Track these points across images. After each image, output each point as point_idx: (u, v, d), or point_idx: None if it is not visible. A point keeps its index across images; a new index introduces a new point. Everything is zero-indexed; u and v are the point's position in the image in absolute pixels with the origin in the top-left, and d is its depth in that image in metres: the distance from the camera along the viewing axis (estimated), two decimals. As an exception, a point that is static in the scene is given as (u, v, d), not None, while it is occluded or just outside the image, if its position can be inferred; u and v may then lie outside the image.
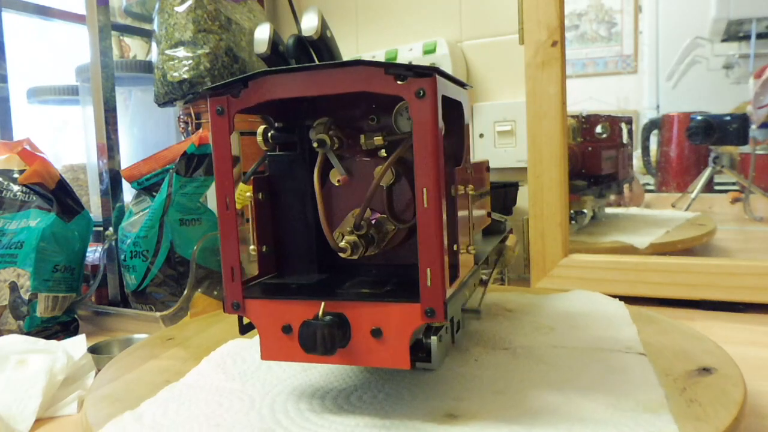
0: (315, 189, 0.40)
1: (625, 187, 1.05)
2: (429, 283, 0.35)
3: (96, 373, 0.52)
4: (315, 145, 0.40)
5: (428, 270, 0.35)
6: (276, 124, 0.44)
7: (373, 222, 0.41)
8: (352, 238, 0.39)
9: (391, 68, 0.34)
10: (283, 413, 0.39)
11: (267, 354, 0.38)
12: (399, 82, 0.34)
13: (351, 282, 0.41)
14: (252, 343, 0.52)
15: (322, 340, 0.35)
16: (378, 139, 0.41)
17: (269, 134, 0.43)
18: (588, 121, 0.99)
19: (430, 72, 0.34)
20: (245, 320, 0.40)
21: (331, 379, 0.43)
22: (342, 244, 0.39)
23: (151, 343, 0.54)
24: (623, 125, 1.04)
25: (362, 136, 0.41)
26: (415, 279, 0.36)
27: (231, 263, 0.39)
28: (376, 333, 0.36)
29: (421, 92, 0.34)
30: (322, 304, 0.36)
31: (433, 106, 0.34)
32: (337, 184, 0.42)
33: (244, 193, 0.78)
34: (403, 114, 0.41)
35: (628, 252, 0.83)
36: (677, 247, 0.86)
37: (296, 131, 0.44)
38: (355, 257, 0.39)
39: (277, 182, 0.44)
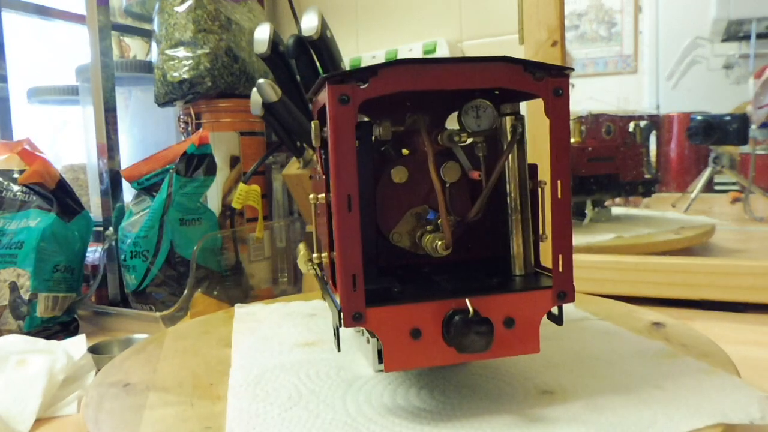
0: (436, 187, 0.39)
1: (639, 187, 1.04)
2: (561, 269, 0.37)
3: (96, 373, 0.52)
4: (456, 138, 0.41)
5: (560, 256, 0.37)
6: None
7: (439, 221, 0.41)
8: (440, 236, 0.40)
9: (530, 66, 0.36)
10: (399, 426, 0.36)
11: (392, 364, 0.36)
12: (536, 81, 0.36)
13: (442, 279, 0.41)
14: (262, 369, 0.47)
15: (484, 336, 0.35)
16: (465, 136, 0.41)
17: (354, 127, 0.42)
18: (595, 122, 0.99)
19: (566, 72, 0.36)
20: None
21: (389, 387, 0.42)
22: (439, 244, 0.39)
23: (111, 393, 0.45)
24: (641, 124, 1.03)
25: (444, 133, 0.41)
26: (489, 271, 0.39)
27: (352, 270, 0.35)
28: (509, 323, 0.37)
29: (559, 91, 0.36)
30: (467, 301, 0.36)
31: (568, 104, 0.36)
32: (475, 178, 0.42)
33: (243, 192, 0.79)
34: (468, 113, 0.40)
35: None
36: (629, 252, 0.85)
37: (358, 127, 0.43)
38: (447, 255, 0.40)
39: None
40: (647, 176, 1.02)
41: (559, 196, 0.37)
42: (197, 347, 0.54)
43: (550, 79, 0.36)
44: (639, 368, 0.42)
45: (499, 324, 0.36)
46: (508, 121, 0.40)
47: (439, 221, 0.41)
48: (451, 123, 0.43)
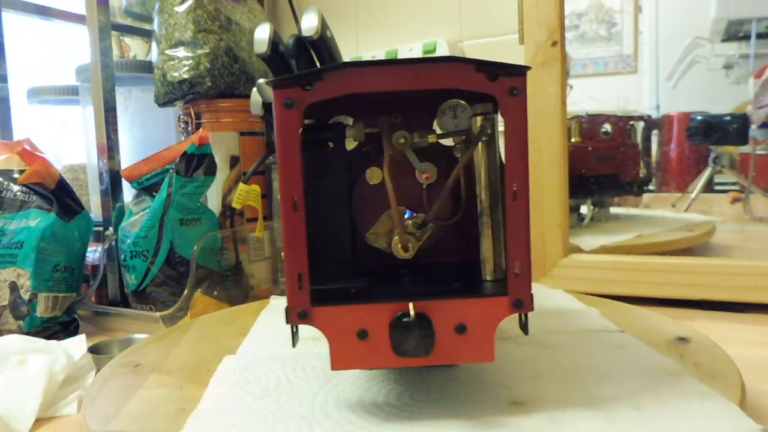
0: (388, 188, 0.38)
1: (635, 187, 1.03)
2: (517, 276, 0.36)
3: (96, 373, 0.52)
4: (402, 141, 0.40)
5: (517, 262, 0.36)
6: (305, 121, 0.44)
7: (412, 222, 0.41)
8: (408, 238, 0.39)
9: (482, 66, 0.35)
10: (351, 423, 0.36)
11: (338, 363, 0.36)
12: (490, 81, 0.35)
13: (408, 281, 0.41)
14: (256, 358, 0.49)
15: (422, 341, 0.34)
16: (432, 138, 0.40)
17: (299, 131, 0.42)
18: (593, 122, 0.99)
19: (522, 70, 0.35)
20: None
21: (365, 386, 0.42)
22: (400, 246, 0.39)
23: (119, 372, 0.48)
24: (637, 124, 1.03)
25: (414, 134, 0.41)
26: (465, 275, 0.38)
27: (298, 269, 0.36)
28: (461, 329, 0.36)
29: (515, 91, 0.35)
30: (411, 304, 0.35)
31: (524, 104, 0.35)
32: (424, 181, 0.41)
33: (243, 192, 0.79)
34: (446, 113, 0.40)
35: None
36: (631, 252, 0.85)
37: (332, 129, 0.42)
38: (409, 257, 0.39)
39: (312, 182, 0.42)
40: (642, 175, 1.02)
41: (515, 199, 0.36)
42: (215, 336, 0.56)
43: (505, 79, 0.35)
44: (630, 385, 0.40)
45: (450, 329, 0.36)
46: (479, 121, 0.39)
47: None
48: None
